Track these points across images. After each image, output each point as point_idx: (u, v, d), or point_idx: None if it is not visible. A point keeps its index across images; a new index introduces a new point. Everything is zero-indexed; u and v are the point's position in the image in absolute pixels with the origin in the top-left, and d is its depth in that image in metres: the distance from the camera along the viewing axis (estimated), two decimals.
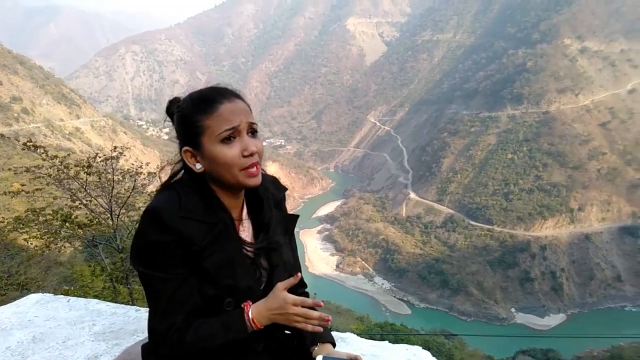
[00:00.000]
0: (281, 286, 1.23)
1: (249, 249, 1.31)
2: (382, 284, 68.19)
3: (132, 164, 9.50)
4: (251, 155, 1.22)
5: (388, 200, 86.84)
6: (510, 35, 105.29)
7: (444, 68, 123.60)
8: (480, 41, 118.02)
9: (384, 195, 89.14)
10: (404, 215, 79.93)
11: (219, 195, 1.28)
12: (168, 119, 1.33)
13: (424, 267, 66.48)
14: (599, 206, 68.55)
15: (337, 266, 72.30)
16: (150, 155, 74.60)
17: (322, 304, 1.22)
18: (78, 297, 3.46)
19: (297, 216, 1.50)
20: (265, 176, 1.38)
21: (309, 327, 1.22)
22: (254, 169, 1.23)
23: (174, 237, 1.16)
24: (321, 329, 1.24)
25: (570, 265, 63.66)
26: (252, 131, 1.25)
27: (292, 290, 1.29)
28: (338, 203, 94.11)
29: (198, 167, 1.24)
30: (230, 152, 1.20)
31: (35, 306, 3.00)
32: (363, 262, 72.78)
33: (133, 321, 2.79)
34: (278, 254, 1.38)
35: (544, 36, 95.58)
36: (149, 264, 1.18)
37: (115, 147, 8.85)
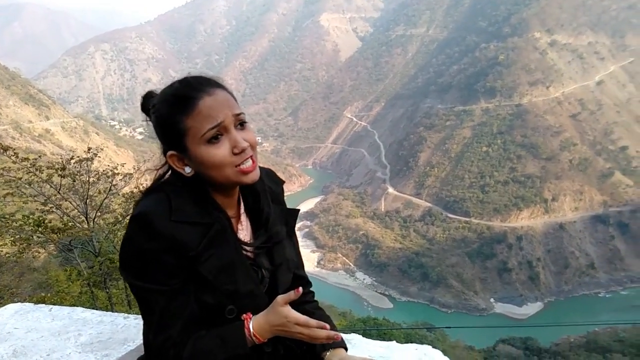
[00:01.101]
0: (281, 300, 1.12)
1: (248, 249, 1.23)
2: (364, 279, 68.49)
3: (107, 165, 9.18)
4: (243, 151, 1.11)
5: (367, 195, 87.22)
6: (482, 29, 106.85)
7: (418, 63, 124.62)
8: (452, 35, 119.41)
9: (362, 191, 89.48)
10: (383, 210, 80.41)
11: (212, 193, 1.19)
12: (144, 117, 1.22)
13: (404, 261, 67.04)
14: (571, 196, 70.36)
15: (319, 263, 72.25)
16: (124, 156, 72.78)
17: (328, 326, 1.13)
18: (59, 305, 3.20)
19: (298, 210, 1.42)
20: (260, 169, 1.26)
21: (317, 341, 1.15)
22: (249, 164, 1.13)
23: (165, 243, 1.06)
24: (331, 341, 1.16)
25: (545, 254, 65.19)
26: (240, 123, 1.14)
27: (295, 286, 1.21)
28: (317, 200, 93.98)
29: (187, 170, 1.14)
30: (219, 153, 1.09)
31: (14, 317, 2.76)
32: (344, 258, 72.94)
33: (122, 329, 2.56)
34: (280, 252, 1.30)
35: (514, 30, 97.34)
36: (140, 274, 1.08)
37: (89, 149, 8.58)
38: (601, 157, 75.77)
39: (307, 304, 1.39)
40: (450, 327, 45.76)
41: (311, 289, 1.46)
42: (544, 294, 61.32)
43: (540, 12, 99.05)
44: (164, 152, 1.16)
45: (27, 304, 2.92)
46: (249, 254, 1.23)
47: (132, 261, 1.09)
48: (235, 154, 1.10)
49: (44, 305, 2.91)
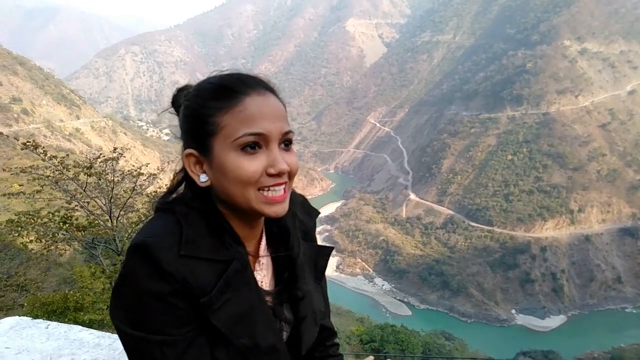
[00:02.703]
0: None
1: (268, 297, 0.99)
2: (383, 285, 68.11)
3: (133, 165, 9.47)
4: (279, 175, 0.87)
5: (388, 201, 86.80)
6: (510, 36, 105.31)
7: (443, 69, 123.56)
8: (479, 42, 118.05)
9: (384, 196, 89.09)
10: (404, 216, 79.87)
11: (230, 221, 0.94)
12: (172, 112, 0.99)
13: (424, 268, 66.41)
14: (599, 207, 68.51)
15: (338, 267, 72.22)
16: (150, 156, 74.57)
17: None
18: (60, 322, 3.09)
19: (332, 248, 1.18)
20: (293, 197, 1.03)
21: None
22: (280, 193, 0.88)
23: (174, 285, 0.82)
24: None
25: (570, 266, 63.59)
26: (286, 142, 0.91)
27: (318, 338, 1.06)
28: (338, 204, 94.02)
29: (202, 178, 0.90)
30: (251, 167, 0.85)
31: (8, 333, 2.60)
32: (363, 263, 72.71)
33: (119, 356, 2.37)
34: (306, 303, 1.05)
35: (543, 37, 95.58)
36: (140, 323, 0.83)
37: (115, 149, 8.82)
38: (631, 168, 73.54)
39: (330, 358, 1.21)
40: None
41: (336, 340, 1.25)
42: (567, 307, 59.77)
43: (570, 19, 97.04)
44: (183, 151, 0.93)
45: (24, 318, 2.83)
46: (268, 302, 0.98)
47: (131, 305, 0.84)
48: (268, 175, 0.86)
49: (41, 321, 2.80)
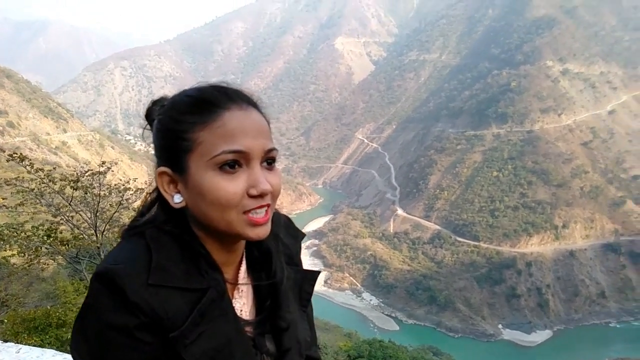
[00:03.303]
0: None
1: (248, 327, 0.89)
2: (370, 299, 67.98)
3: (120, 179, 9.53)
4: (261, 196, 0.79)
5: (376, 216, 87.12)
6: (494, 56, 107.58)
7: (430, 87, 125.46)
8: (465, 61, 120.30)
9: (372, 212, 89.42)
10: (391, 231, 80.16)
11: (206, 245, 0.84)
12: (147, 127, 0.90)
13: (412, 283, 66.51)
14: (582, 223, 69.52)
15: (326, 282, 71.94)
16: (137, 170, 74.05)
17: None
18: (32, 345, 2.88)
19: (318, 272, 1.07)
20: (276, 218, 0.96)
21: None
22: (262, 215, 0.80)
23: (141, 317, 0.73)
24: None
25: (555, 281, 64.20)
26: (269, 161, 0.83)
27: None
28: (326, 219, 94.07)
29: (177, 199, 0.81)
30: (230, 187, 0.76)
31: None
32: (351, 278, 72.57)
33: None
34: (291, 333, 0.94)
35: (527, 57, 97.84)
36: (102, 358, 0.74)
37: (103, 162, 8.89)
38: (613, 185, 75.00)
39: None
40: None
41: None
42: (553, 321, 60.15)
43: (552, 41, 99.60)
44: (156, 168, 0.84)
45: None
46: (248, 333, 0.89)
47: (93, 340, 0.74)
48: (250, 196, 0.78)
49: (13, 344, 2.65)
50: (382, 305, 66.23)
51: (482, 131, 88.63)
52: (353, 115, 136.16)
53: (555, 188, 73.79)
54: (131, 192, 8.98)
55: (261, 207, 0.79)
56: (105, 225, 8.44)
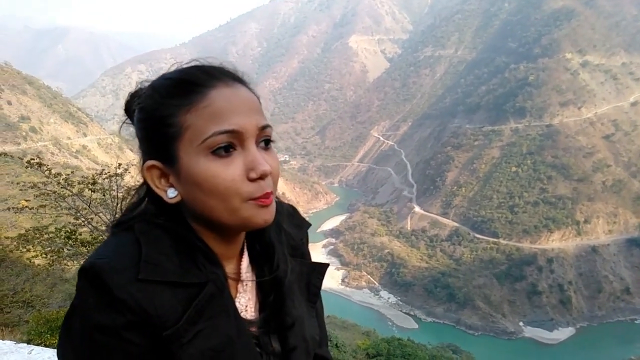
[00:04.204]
0: None
1: (252, 326, 0.82)
2: (388, 298, 67.74)
3: (138, 181, 9.68)
4: (261, 178, 0.71)
5: (393, 214, 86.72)
6: (512, 50, 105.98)
7: (446, 83, 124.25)
8: (481, 56, 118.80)
9: (388, 209, 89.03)
10: (409, 228, 79.72)
11: (204, 238, 0.76)
12: (128, 122, 0.82)
13: (430, 281, 66.05)
14: (605, 218, 68.12)
15: (343, 280, 71.97)
16: None
17: None
18: (45, 346, 2.88)
19: (327, 265, 0.97)
20: (280, 206, 0.88)
21: None
22: (266, 199, 0.72)
23: (128, 316, 0.66)
24: None
25: (577, 277, 63.05)
26: (265, 140, 0.75)
27: None
28: (343, 217, 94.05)
29: (171, 194, 0.74)
30: (227, 173, 0.69)
31: None
32: (368, 276, 72.43)
33: None
34: (296, 330, 0.86)
35: (545, 50, 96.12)
36: None
37: (120, 164, 9.08)
38: (636, 179, 73.26)
39: None
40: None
41: None
42: (575, 318, 59.08)
43: (571, 33, 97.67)
44: (142, 163, 0.76)
45: (7, 342, 2.66)
46: (252, 331, 0.81)
47: (78, 341, 0.68)
48: (250, 180, 0.71)
49: (25, 345, 2.64)
50: (401, 303, 65.94)
51: (499, 126, 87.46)
52: (368, 113, 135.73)
53: (577, 183, 72.40)
54: None
55: (266, 195, 0.72)
56: None
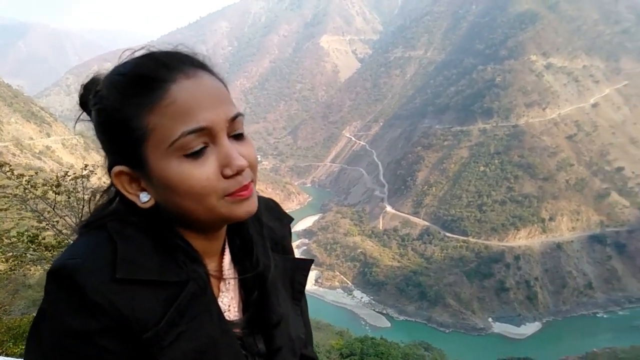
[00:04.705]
0: None
1: (235, 327, 0.77)
2: (361, 297, 68.14)
3: (105, 182, 9.36)
4: (239, 173, 0.67)
5: (365, 214, 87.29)
6: (479, 51, 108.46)
7: (416, 84, 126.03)
8: (450, 58, 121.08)
9: (360, 209, 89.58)
10: (381, 228, 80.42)
11: (184, 235, 0.72)
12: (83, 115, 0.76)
13: (402, 280, 66.80)
14: (568, 216, 70.49)
15: (316, 280, 71.91)
16: None
17: None
18: (7, 355, 2.70)
19: (311, 261, 0.93)
20: (259, 200, 0.77)
21: None
22: (245, 191, 0.68)
23: (103, 320, 0.61)
24: None
25: (543, 274, 64.99)
26: (236, 134, 0.70)
27: None
28: (316, 217, 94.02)
29: (144, 198, 0.69)
30: (201, 173, 0.64)
31: None
32: (342, 276, 72.66)
33: None
34: (282, 331, 0.82)
35: (511, 52, 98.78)
36: None
37: (86, 165, 8.75)
38: (597, 177, 76.17)
39: None
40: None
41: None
42: (542, 313, 60.98)
43: (536, 36, 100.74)
44: (109, 168, 0.71)
45: None
46: (236, 331, 0.77)
47: (49, 349, 0.62)
48: (226, 177, 0.66)
49: None
50: (373, 302, 66.43)
51: (468, 127, 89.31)
52: (340, 113, 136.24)
53: (542, 181, 74.68)
54: None
55: (244, 188, 0.67)
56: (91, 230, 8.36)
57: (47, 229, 8.14)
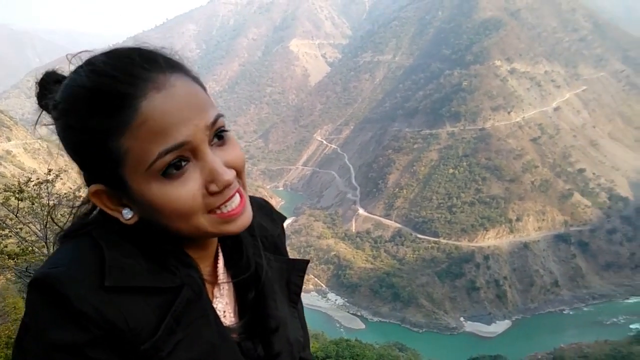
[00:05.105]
0: None
1: (232, 332, 0.75)
2: (336, 299, 68.12)
3: (70, 188, 8.99)
4: (226, 187, 0.63)
5: (338, 216, 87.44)
6: (446, 56, 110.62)
7: (385, 88, 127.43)
8: (418, 62, 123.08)
9: (333, 212, 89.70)
10: (354, 230, 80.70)
11: (174, 241, 0.70)
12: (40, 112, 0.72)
13: (376, 281, 67.18)
14: (534, 216, 72.58)
15: None
16: None
17: None
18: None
19: (307, 262, 0.91)
20: (251, 200, 0.73)
21: None
22: (235, 203, 0.65)
23: (93, 331, 0.57)
24: None
25: (512, 273, 66.62)
26: (218, 134, 0.64)
27: None
28: (289, 221, 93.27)
29: (127, 215, 0.64)
30: (184, 193, 0.61)
31: None
32: (316, 279, 72.44)
33: None
34: (281, 335, 0.79)
35: (476, 57, 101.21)
36: None
37: (50, 170, 8.34)
38: (561, 179, 78.87)
39: None
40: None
41: None
42: (511, 311, 62.47)
43: (499, 41, 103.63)
44: (87, 183, 0.66)
45: None
46: (233, 336, 0.74)
47: None
48: (211, 194, 0.62)
49: None
50: (348, 304, 66.51)
51: (437, 130, 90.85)
52: (311, 116, 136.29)
53: (508, 183, 76.67)
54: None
55: (229, 199, 0.64)
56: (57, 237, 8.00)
57: (10, 236, 7.78)
